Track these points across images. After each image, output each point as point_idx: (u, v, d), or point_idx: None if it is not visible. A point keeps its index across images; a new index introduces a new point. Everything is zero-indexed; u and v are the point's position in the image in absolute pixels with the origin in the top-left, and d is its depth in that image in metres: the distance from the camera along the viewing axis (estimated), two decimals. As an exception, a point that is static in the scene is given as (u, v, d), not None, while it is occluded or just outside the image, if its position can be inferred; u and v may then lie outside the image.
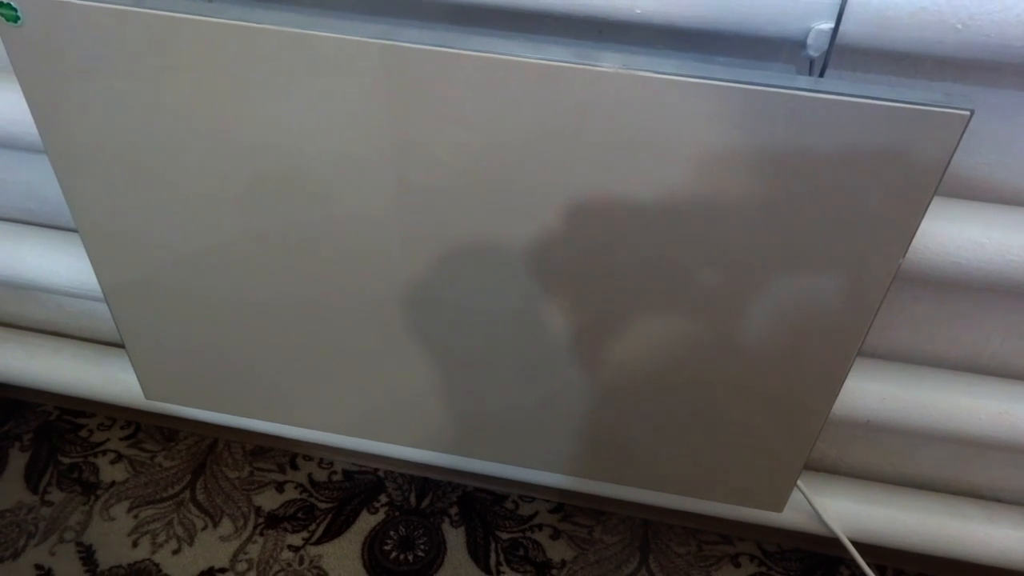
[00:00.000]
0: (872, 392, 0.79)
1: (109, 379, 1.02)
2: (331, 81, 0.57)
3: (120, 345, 1.02)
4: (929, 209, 0.55)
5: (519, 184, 0.60)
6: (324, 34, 0.54)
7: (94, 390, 1.03)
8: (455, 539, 1.02)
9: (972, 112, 0.50)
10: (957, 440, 0.80)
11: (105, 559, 0.98)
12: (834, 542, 0.92)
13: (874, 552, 0.93)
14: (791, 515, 0.93)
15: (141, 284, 0.76)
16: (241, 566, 0.98)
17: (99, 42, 0.58)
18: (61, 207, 0.89)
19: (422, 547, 1.01)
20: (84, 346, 1.05)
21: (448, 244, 0.65)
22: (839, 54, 0.59)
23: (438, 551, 1.00)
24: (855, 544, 0.90)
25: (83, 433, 1.12)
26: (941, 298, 0.77)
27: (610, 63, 0.52)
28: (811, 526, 0.93)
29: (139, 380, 0.87)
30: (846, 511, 0.91)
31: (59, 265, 0.88)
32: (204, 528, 1.01)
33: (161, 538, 1.00)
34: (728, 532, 1.03)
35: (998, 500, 0.92)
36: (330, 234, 0.67)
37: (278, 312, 0.75)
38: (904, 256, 0.58)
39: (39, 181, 0.89)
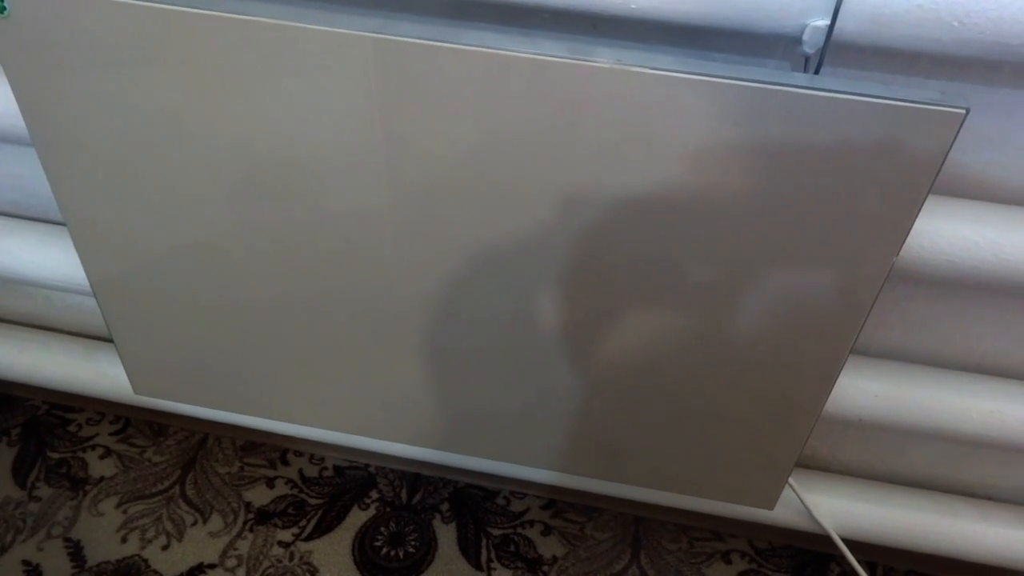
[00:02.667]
0: (864, 390, 0.79)
1: (98, 374, 1.01)
2: (324, 75, 0.56)
3: (109, 339, 1.01)
4: (923, 207, 0.55)
5: (512, 179, 0.59)
6: (317, 27, 0.54)
7: (83, 385, 1.03)
8: (446, 535, 1.01)
9: (968, 110, 0.50)
10: (949, 438, 0.80)
11: (93, 555, 0.97)
12: (825, 539, 0.92)
13: (865, 549, 0.93)
14: (782, 512, 0.93)
15: (130, 278, 0.75)
16: (231, 562, 0.97)
17: (87, 34, 0.57)
18: (49, 200, 0.88)
19: (413, 543, 1.00)
20: (72, 340, 1.04)
21: (440, 239, 0.65)
22: (835, 51, 0.59)
23: (429, 547, 1.00)
24: (846, 541, 0.91)
25: (72, 428, 1.11)
26: (934, 296, 0.77)
27: (605, 58, 0.52)
28: (802, 523, 0.93)
29: (128, 375, 0.87)
30: (837, 508, 0.91)
31: (47, 259, 0.88)
32: (194, 524, 1.01)
33: (150, 534, 0.99)
34: (719, 529, 1.03)
35: (989, 498, 0.93)
36: (320, 229, 0.66)
37: (269, 307, 0.74)
38: (898, 254, 0.58)
39: (26, 174, 0.88)
